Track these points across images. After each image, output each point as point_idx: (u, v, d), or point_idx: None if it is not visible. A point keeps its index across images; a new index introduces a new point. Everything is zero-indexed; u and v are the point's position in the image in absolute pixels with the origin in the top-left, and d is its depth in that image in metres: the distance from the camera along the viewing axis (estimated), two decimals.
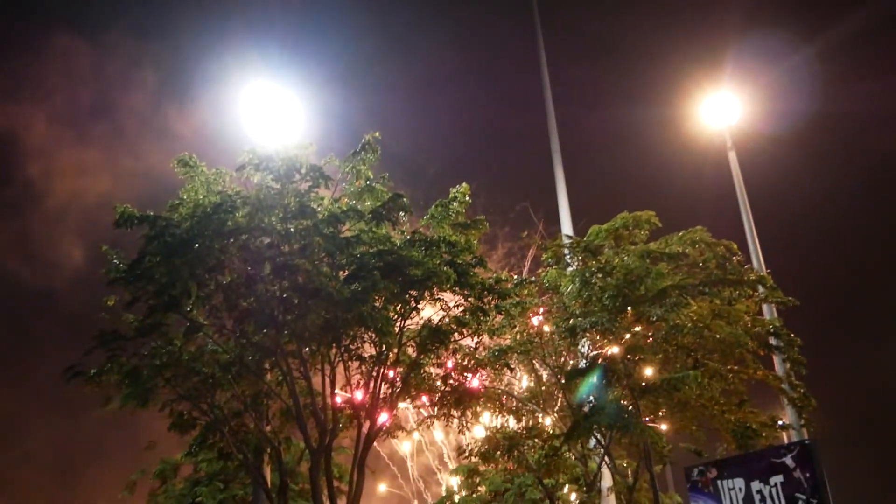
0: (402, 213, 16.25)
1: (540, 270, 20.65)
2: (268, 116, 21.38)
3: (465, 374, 18.16)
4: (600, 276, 17.90)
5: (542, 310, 19.59)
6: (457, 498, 26.71)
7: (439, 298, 16.57)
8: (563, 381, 18.90)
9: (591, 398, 17.71)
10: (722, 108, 29.43)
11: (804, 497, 14.77)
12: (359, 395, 16.78)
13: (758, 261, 26.01)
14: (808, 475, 14.75)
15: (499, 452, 19.22)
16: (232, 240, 15.19)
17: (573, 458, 20.69)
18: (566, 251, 19.48)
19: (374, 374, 16.42)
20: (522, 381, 25.15)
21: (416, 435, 32.64)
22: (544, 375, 21.73)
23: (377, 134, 16.79)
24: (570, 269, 18.91)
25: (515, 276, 18.35)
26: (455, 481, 28.98)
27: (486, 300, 16.55)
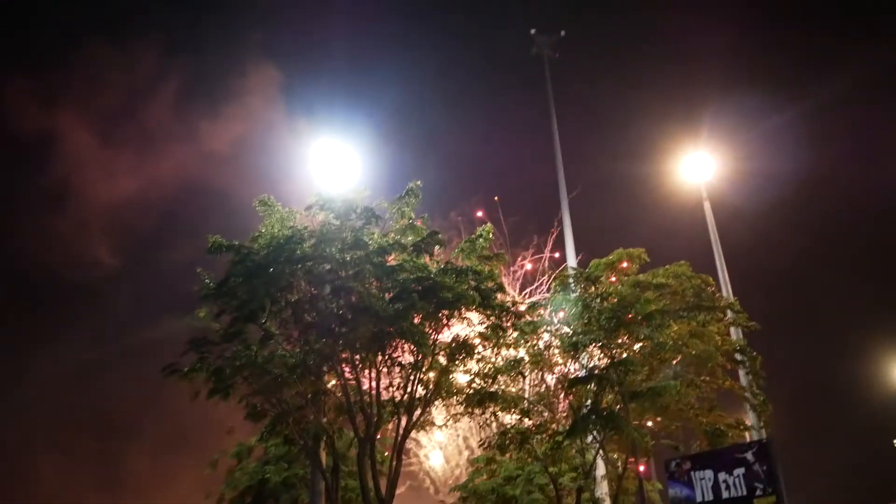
0: (437, 247, 16.35)
1: (549, 295, 20.57)
2: (332, 166, 21.69)
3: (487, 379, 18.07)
4: (599, 301, 17.82)
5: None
6: (477, 481, 26.34)
7: (466, 317, 16.56)
8: (566, 388, 18.70)
9: (589, 402, 17.56)
10: (699, 165, 29.32)
11: (762, 486, 14.65)
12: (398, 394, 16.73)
13: (727, 290, 25.70)
14: (765, 468, 14.71)
15: (512, 445, 19.01)
16: (300, 266, 15.37)
17: (573, 450, 20.44)
18: (571, 280, 19.44)
19: (412, 377, 16.39)
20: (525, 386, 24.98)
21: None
22: (551, 382, 21.55)
23: (419, 182, 16.92)
24: (573, 294, 18.84)
25: (528, 300, 18.19)
26: None
27: (504, 319, 16.51)
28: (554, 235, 37.93)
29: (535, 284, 38.50)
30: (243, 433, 24.72)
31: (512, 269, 37.96)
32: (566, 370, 19.42)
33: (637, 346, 17.65)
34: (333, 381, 16.77)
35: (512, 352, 17.85)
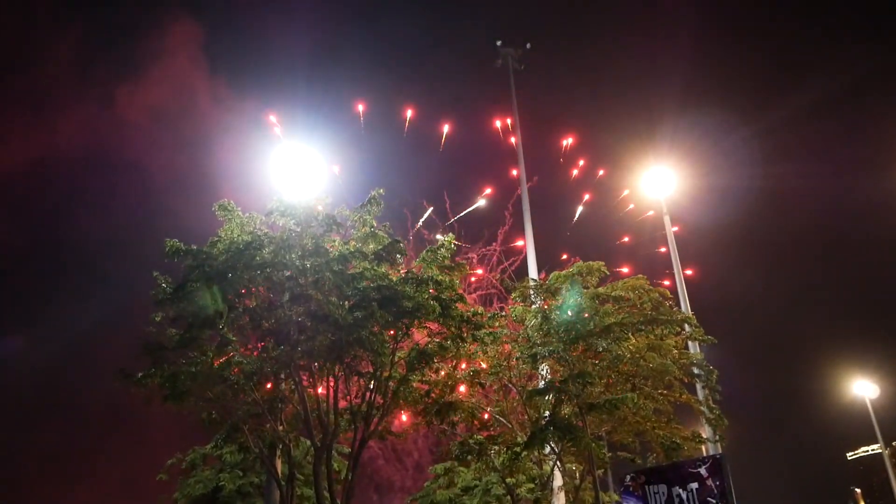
0: (398, 256, 16.34)
1: (509, 306, 20.69)
2: (294, 171, 21.59)
3: (445, 389, 18.08)
4: (558, 312, 17.95)
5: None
6: (436, 491, 26.34)
7: (426, 326, 16.57)
8: (524, 399, 18.81)
9: (548, 413, 17.68)
10: (660, 180, 29.75)
11: (714, 500, 14.87)
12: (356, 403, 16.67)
13: (685, 305, 26.11)
14: (718, 483, 14.94)
15: (470, 455, 19.05)
16: (259, 272, 15.24)
17: (531, 461, 20.56)
18: (531, 291, 19.59)
19: (370, 386, 16.34)
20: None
21: None
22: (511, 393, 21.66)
23: (381, 190, 16.90)
24: (534, 306, 18.97)
25: (490, 312, 18.26)
26: None
27: (464, 330, 16.55)
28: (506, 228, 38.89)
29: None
30: (196, 440, 24.43)
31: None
32: (525, 381, 19.55)
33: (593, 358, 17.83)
34: (291, 390, 16.64)
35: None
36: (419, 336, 17.18)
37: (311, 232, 15.86)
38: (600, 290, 18.92)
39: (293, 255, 15.31)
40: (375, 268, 15.73)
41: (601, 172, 46.44)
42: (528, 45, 32.52)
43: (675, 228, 29.36)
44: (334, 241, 16.48)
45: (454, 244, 17.51)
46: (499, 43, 32.26)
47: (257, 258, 15.06)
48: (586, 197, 46.73)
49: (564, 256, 39.84)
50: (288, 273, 15.31)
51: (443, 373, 18.08)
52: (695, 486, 15.22)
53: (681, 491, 15.45)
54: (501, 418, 20.29)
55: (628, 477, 17.11)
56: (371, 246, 16.63)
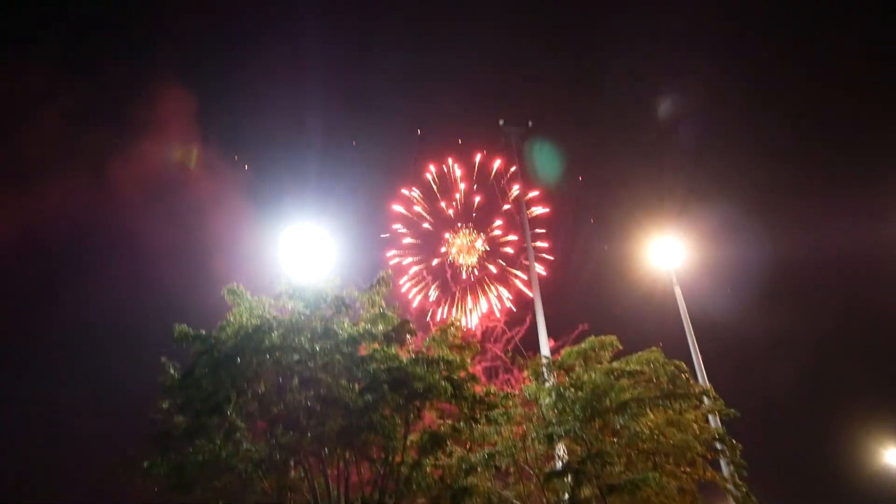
0: (408, 336, 16.20)
1: (518, 381, 20.32)
2: (303, 252, 21.70)
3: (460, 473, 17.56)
4: (572, 390, 17.59)
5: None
6: None
7: (438, 408, 16.27)
8: (542, 482, 18.21)
9: (567, 496, 17.08)
10: (668, 250, 29.60)
11: None
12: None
13: (702, 376, 25.52)
14: None
15: None
16: (268, 356, 15.09)
17: None
18: (544, 369, 19.27)
19: (382, 472, 15.89)
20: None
21: None
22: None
23: (389, 271, 16.93)
24: (547, 384, 18.61)
25: (502, 392, 17.90)
26: None
27: (477, 410, 16.20)
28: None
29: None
30: None
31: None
32: (542, 462, 18.97)
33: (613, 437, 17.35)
34: (300, 477, 16.19)
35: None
36: (431, 418, 16.82)
37: (321, 314, 15.82)
38: (614, 364, 18.58)
39: (302, 338, 15.20)
40: (385, 349, 15.58)
41: (605, 248, 46.59)
42: (530, 124, 33.14)
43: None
44: (343, 322, 16.36)
45: (462, 323, 17.37)
46: (501, 122, 32.91)
47: (266, 342, 14.96)
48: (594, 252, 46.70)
49: (579, 329, 39.58)
50: (297, 356, 15.16)
51: (456, 456, 17.60)
52: None
53: None
54: (519, 503, 19.60)
55: None
56: (381, 327, 16.51)
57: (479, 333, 42.80)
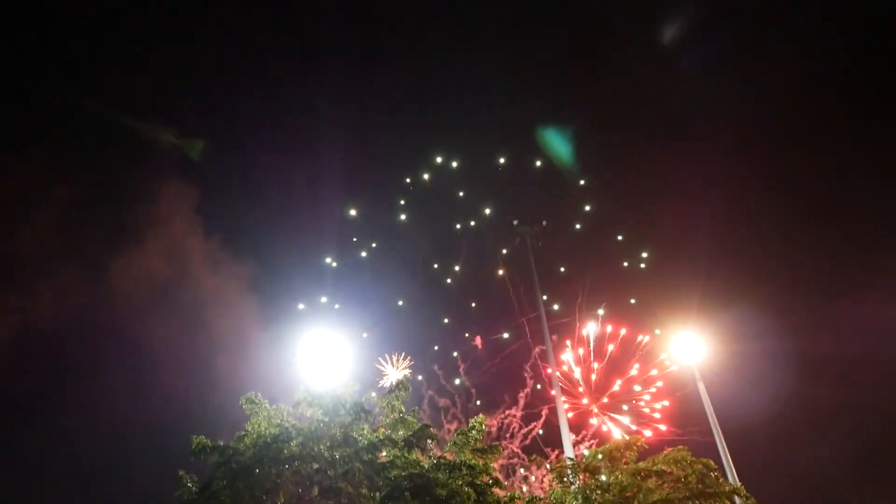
0: (429, 441, 15.96)
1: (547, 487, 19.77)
2: (320, 359, 21.75)
3: None
4: (599, 492, 17.13)
5: None
6: None
7: None
8: None
9: None
10: (690, 346, 29.27)
11: None
12: None
13: (732, 475, 24.76)
14: None
15: None
16: (287, 465, 14.87)
17: None
18: (569, 470, 18.83)
19: None
20: None
21: None
22: None
23: (408, 374, 16.89)
24: (573, 486, 18.13)
25: (529, 496, 17.44)
26: None
27: None
28: None
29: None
30: None
31: None
32: None
33: None
34: None
35: None
36: None
37: (340, 421, 15.67)
38: (641, 465, 18.13)
39: (322, 447, 15.01)
40: (406, 455, 15.33)
41: (622, 332, 46.10)
42: (544, 223, 33.73)
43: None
44: (363, 428, 16.17)
45: (484, 426, 17.12)
46: (515, 223, 33.53)
47: (285, 451, 14.79)
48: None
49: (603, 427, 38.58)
50: (317, 465, 14.93)
51: None
52: None
53: None
54: None
55: None
56: (401, 432, 16.31)
57: (493, 429, 41.86)
